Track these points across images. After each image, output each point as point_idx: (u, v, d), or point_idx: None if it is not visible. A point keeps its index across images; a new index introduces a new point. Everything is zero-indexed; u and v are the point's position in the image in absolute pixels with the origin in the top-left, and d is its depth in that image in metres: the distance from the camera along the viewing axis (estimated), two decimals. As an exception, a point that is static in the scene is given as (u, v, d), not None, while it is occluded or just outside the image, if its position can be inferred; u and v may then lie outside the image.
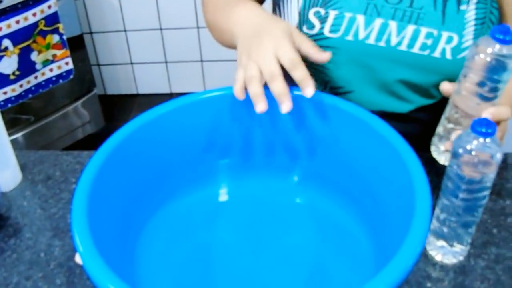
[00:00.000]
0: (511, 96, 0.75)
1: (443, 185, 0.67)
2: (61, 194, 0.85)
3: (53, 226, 0.80)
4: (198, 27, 2.27)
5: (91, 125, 2.16)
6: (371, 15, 0.79)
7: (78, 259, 0.73)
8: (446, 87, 0.71)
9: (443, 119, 0.72)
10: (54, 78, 1.86)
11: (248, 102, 0.74)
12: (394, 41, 0.79)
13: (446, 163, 0.72)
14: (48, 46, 1.78)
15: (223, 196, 0.79)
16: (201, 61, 2.37)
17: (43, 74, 1.82)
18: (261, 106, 0.67)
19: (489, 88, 0.65)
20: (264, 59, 0.68)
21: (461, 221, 0.67)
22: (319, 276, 0.68)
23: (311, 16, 0.81)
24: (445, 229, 0.69)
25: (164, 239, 0.73)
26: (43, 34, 1.75)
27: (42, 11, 1.71)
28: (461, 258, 0.72)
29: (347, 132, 0.71)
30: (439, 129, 0.73)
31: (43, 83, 1.84)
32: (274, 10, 0.89)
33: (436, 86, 0.80)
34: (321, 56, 0.71)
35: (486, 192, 0.65)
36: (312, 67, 0.76)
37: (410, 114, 0.87)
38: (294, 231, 0.74)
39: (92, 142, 2.08)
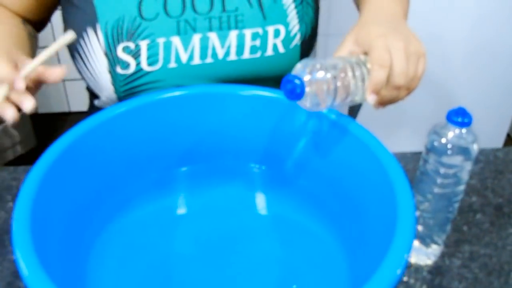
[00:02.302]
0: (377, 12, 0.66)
1: (417, 180, 0.63)
2: (-5, 214, 0.76)
3: (-13, 250, 0.71)
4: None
5: (22, 145, 2.03)
6: (186, 33, 0.72)
7: None
8: None
9: None
10: (-20, 96, 1.74)
11: (208, 105, 0.69)
12: (220, 53, 0.73)
13: None
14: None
15: (182, 207, 0.72)
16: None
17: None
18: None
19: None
20: None
21: (436, 218, 0.64)
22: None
23: (121, 54, 0.72)
24: (419, 228, 0.65)
25: (117, 256, 0.65)
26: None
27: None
28: (435, 258, 0.68)
29: (320, 136, 0.66)
30: None
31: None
32: (73, 58, 0.78)
33: (275, 80, 0.76)
34: (53, 73, 0.61)
35: (462, 186, 0.62)
36: None
37: None
38: (260, 244, 0.68)
39: (23, 163, 1.96)
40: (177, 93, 0.68)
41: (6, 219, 0.75)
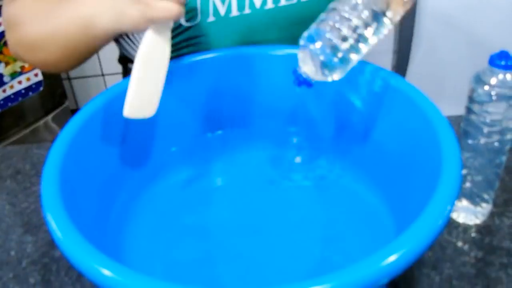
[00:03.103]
0: None
1: (462, 133, 0.60)
2: (32, 187, 0.76)
3: (24, 222, 0.71)
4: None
5: (64, 140, 2.06)
6: None
7: None
8: None
9: None
10: (23, 91, 1.77)
11: (242, 66, 0.67)
12: (258, 2, 0.71)
13: None
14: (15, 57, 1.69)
15: (218, 171, 0.70)
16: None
17: (11, 87, 1.72)
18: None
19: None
20: None
21: (484, 173, 0.60)
22: (333, 248, 0.59)
23: None
24: (467, 185, 0.62)
25: (152, 223, 0.63)
26: (9, 44, 1.66)
27: (6, 20, 1.62)
28: (484, 218, 0.64)
29: (363, 94, 0.62)
30: None
31: (12, 96, 1.74)
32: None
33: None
34: None
35: (510, 135, 0.58)
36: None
37: None
38: (302, 206, 0.65)
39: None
40: (209, 55, 0.67)
41: (42, 193, 0.75)
